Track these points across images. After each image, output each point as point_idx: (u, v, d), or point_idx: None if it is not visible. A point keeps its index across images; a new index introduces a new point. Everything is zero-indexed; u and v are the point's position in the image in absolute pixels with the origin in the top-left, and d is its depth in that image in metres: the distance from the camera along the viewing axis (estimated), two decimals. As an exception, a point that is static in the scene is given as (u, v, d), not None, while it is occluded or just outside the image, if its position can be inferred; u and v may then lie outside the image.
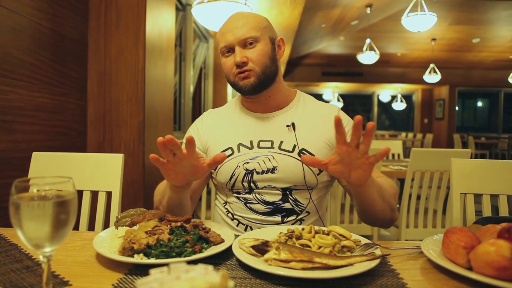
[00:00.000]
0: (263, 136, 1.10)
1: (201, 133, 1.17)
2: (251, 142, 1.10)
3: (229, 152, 1.10)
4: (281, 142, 1.08)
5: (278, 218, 1.08)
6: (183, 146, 0.84)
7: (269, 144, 1.09)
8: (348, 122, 1.14)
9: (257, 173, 1.07)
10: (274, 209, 1.08)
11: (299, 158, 1.06)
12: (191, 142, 0.81)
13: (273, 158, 1.07)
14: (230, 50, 1.07)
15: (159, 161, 0.83)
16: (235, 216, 1.12)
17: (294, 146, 1.08)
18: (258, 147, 1.09)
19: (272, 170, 1.06)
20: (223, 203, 1.15)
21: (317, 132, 1.10)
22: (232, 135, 1.12)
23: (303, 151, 1.07)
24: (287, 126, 1.10)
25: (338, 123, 0.75)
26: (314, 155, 1.07)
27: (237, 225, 1.12)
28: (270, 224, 1.07)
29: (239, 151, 1.09)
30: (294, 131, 1.10)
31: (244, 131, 1.12)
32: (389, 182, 1.05)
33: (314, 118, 1.13)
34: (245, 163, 1.07)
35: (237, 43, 1.04)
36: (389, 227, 1.03)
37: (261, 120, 1.13)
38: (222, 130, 1.15)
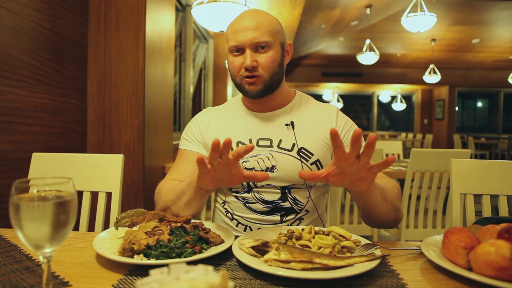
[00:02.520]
0: (262, 135, 1.10)
1: (202, 129, 1.17)
2: (250, 140, 1.10)
3: None
4: (280, 140, 1.08)
5: (277, 217, 1.08)
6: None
7: (268, 143, 1.09)
8: (346, 122, 1.14)
9: (256, 171, 1.06)
10: (273, 208, 1.08)
11: (298, 156, 1.07)
12: (240, 153, 0.79)
13: (272, 156, 1.07)
14: (240, 50, 1.04)
15: (204, 164, 0.80)
16: (234, 216, 1.12)
17: (293, 144, 1.08)
18: (257, 145, 1.09)
19: (271, 169, 1.06)
20: (222, 203, 1.15)
21: (316, 131, 1.10)
22: (231, 133, 1.12)
23: (302, 149, 1.08)
24: (286, 124, 1.11)
25: (334, 136, 0.73)
26: (313, 154, 1.08)
27: (236, 225, 1.12)
28: (269, 223, 1.07)
29: None
30: (293, 130, 1.10)
31: (243, 129, 1.12)
32: (391, 182, 1.04)
33: (313, 118, 1.13)
34: (244, 161, 1.08)
35: (248, 45, 1.02)
36: (395, 227, 1.03)
37: (260, 119, 1.13)
38: (222, 128, 1.15)
